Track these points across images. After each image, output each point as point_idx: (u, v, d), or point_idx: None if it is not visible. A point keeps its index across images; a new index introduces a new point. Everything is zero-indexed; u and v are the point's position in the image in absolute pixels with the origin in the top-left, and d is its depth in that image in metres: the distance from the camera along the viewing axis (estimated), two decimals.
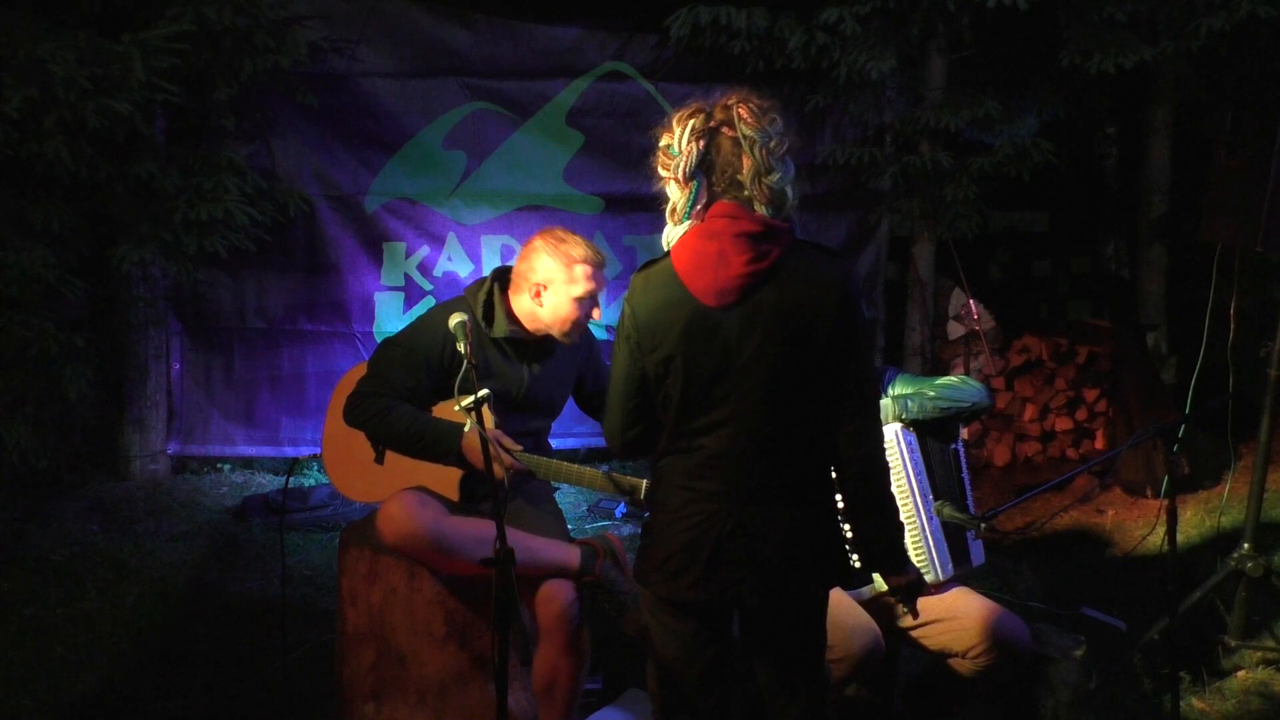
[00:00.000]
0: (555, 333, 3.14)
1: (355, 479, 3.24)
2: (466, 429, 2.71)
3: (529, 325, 3.15)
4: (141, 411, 5.45)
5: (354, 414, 3.06)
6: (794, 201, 2.32)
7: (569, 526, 3.33)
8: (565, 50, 5.68)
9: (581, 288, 3.08)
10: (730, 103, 2.29)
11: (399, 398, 3.05)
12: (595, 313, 3.15)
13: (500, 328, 3.13)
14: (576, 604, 3.00)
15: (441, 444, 3.02)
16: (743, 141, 2.26)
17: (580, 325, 3.15)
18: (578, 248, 3.10)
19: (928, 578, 3.04)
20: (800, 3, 5.48)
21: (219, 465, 5.68)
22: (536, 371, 3.19)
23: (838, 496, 2.43)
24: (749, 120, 2.26)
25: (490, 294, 3.17)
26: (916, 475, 3.07)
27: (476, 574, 2.93)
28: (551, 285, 3.08)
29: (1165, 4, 5.47)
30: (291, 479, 5.16)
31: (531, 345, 3.18)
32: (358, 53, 5.45)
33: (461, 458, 3.03)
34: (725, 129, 2.28)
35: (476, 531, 2.97)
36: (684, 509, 2.34)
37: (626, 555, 3.12)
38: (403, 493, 3.04)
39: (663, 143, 2.32)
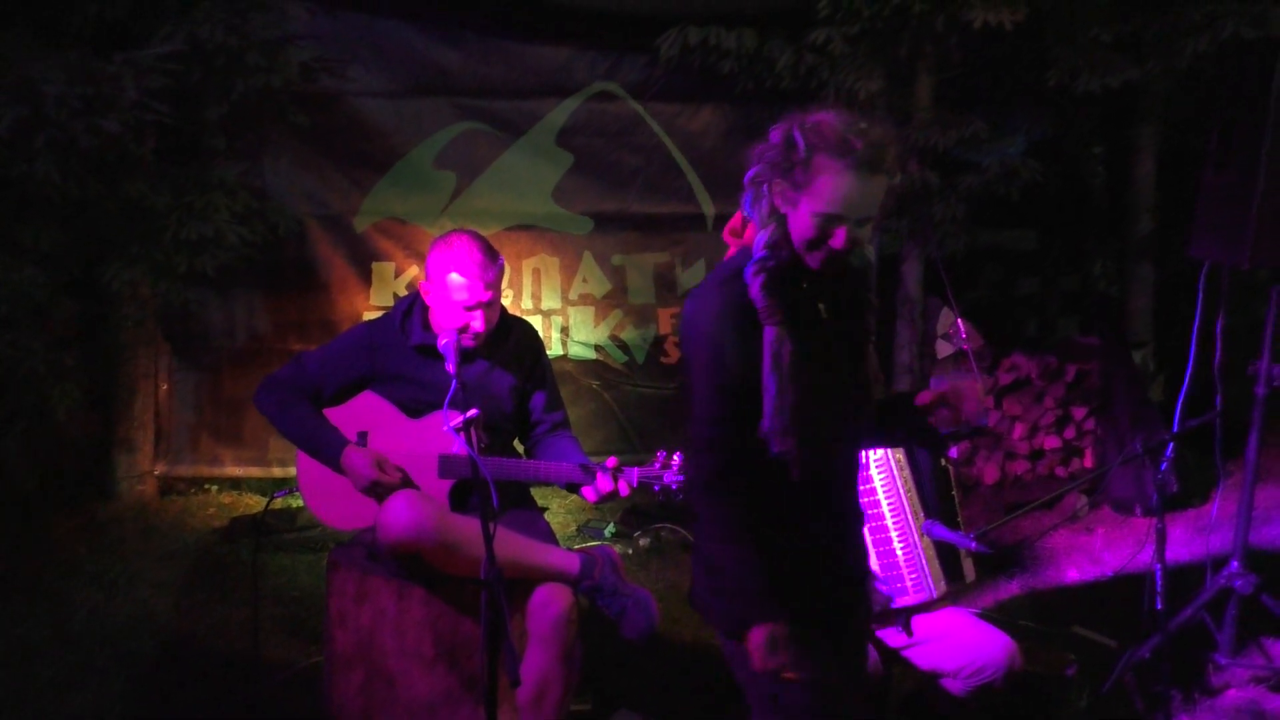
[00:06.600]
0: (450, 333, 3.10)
1: (336, 504, 3.21)
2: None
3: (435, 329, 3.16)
4: (129, 431, 5.43)
5: (261, 395, 3.20)
6: (766, 218, 2.28)
7: None
8: (555, 70, 5.69)
9: (455, 294, 3.07)
10: None
11: (306, 392, 3.17)
12: (477, 319, 3.09)
13: (415, 336, 3.17)
14: (575, 610, 2.96)
15: (326, 453, 3.12)
16: None
17: (467, 328, 3.08)
18: (459, 249, 3.07)
19: (917, 597, 3.04)
20: (789, 23, 5.51)
21: (206, 486, 5.66)
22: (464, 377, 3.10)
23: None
24: None
25: (412, 305, 3.21)
26: (907, 493, 3.07)
27: (472, 577, 2.87)
28: (432, 285, 3.12)
29: (1151, 25, 5.51)
30: (279, 499, 5.14)
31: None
32: (349, 72, 5.46)
33: (340, 471, 3.12)
34: None
35: (480, 529, 2.90)
36: None
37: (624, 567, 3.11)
38: (404, 490, 2.99)
39: None
